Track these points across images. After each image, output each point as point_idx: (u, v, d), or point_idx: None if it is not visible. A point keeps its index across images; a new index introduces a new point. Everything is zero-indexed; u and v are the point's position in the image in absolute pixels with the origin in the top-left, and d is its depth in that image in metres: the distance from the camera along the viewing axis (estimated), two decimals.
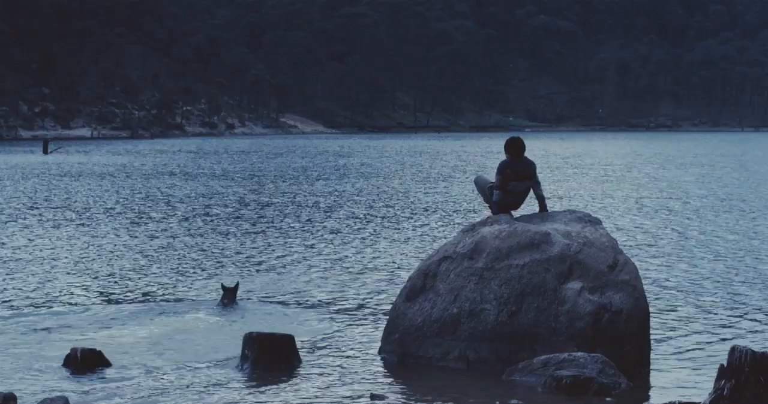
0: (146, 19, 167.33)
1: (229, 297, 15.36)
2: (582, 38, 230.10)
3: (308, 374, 11.31)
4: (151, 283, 17.43)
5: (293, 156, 76.44)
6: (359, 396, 10.41)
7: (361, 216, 29.55)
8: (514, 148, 12.51)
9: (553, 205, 30.88)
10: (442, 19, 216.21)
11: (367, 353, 12.28)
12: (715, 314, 14.83)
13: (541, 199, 12.64)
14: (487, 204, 12.85)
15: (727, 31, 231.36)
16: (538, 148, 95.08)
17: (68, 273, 18.40)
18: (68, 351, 11.65)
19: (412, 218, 28.77)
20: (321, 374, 11.30)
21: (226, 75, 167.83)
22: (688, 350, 12.56)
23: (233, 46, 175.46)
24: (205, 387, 10.79)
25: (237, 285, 15.65)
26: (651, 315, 12.13)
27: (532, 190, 12.55)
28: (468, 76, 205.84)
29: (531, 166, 12.52)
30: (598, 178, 49.61)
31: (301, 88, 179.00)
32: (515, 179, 12.40)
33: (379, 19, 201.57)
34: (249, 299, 15.86)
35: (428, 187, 41.69)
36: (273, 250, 21.71)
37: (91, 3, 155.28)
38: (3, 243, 22.64)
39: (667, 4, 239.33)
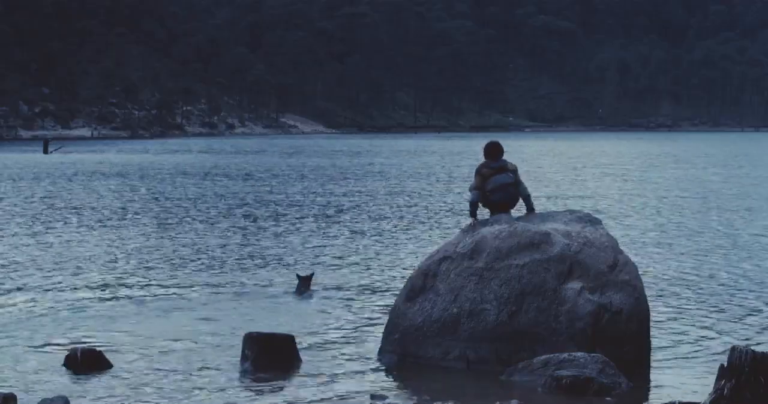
0: (146, 19, 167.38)
1: (304, 285, 16.21)
2: (582, 38, 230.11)
3: (308, 374, 11.30)
4: (173, 282, 17.44)
5: (305, 155, 76.70)
6: (359, 396, 10.41)
7: (378, 216, 29.55)
8: (490, 150, 12.52)
9: (572, 204, 31.06)
10: (442, 19, 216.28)
11: (367, 353, 12.28)
12: (715, 314, 14.83)
13: (526, 199, 12.60)
14: (487, 208, 12.79)
15: (727, 31, 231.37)
16: (545, 149, 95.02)
17: (88, 273, 18.40)
18: (68, 351, 11.64)
19: (431, 218, 28.72)
20: (321, 374, 11.30)
21: (226, 75, 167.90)
22: (688, 350, 12.56)
23: (233, 46, 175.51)
24: (205, 387, 10.79)
25: (312, 274, 16.57)
26: (651, 315, 12.12)
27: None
28: (468, 76, 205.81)
29: (509, 163, 12.54)
30: (620, 178, 49.50)
31: (301, 88, 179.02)
32: (494, 173, 12.39)
33: (379, 19, 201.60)
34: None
35: (448, 188, 41.66)
36: (289, 248, 21.71)
37: (91, 3, 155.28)
38: (27, 243, 22.64)
39: (667, 4, 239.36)
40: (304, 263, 19.76)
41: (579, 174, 52.23)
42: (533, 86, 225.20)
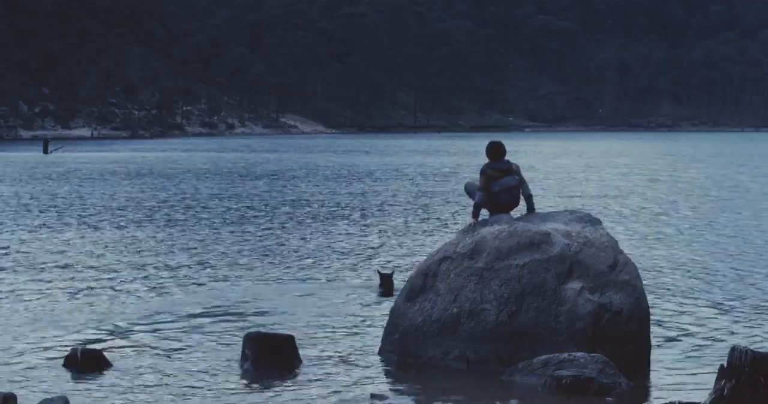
0: (146, 19, 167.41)
1: (386, 285, 16.36)
2: (582, 38, 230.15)
3: (308, 374, 11.30)
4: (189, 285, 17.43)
5: (319, 155, 76.96)
6: (359, 396, 10.40)
7: (412, 215, 29.60)
8: (495, 151, 12.50)
9: (608, 204, 31.15)
10: (442, 19, 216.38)
11: (367, 353, 12.28)
12: (716, 314, 14.83)
13: (528, 198, 12.61)
14: (488, 209, 12.79)
15: (727, 31, 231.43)
16: (557, 149, 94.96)
17: (90, 273, 18.40)
18: (68, 351, 11.64)
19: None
20: (321, 374, 11.30)
21: (226, 75, 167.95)
22: (688, 350, 12.56)
23: (233, 46, 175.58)
24: (205, 387, 10.79)
25: (392, 272, 16.74)
26: (651, 314, 12.12)
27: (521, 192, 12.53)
28: (468, 76, 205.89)
29: (513, 164, 12.54)
30: (648, 177, 49.39)
31: (301, 88, 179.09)
32: (501, 176, 12.39)
33: (379, 19, 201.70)
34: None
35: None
36: (300, 246, 21.73)
37: (91, 3, 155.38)
38: (30, 242, 22.63)
39: (667, 4, 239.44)
40: (311, 259, 19.76)
41: (601, 173, 52.11)
42: (533, 86, 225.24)
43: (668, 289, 16.79)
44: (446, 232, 24.88)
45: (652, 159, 72.38)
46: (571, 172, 51.72)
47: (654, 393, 10.73)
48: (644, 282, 12.11)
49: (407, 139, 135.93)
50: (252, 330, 12.84)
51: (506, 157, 12.60)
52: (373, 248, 22.11)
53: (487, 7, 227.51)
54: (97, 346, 11.98)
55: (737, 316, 14.66)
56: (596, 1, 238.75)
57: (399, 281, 16.07)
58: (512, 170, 12.46)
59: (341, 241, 23.29)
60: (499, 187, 12.39)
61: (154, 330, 13.55)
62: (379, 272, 16.90)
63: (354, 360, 11.94)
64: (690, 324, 14.09)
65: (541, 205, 28.43)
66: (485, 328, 11.48)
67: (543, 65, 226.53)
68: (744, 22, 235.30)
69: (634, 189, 41.04)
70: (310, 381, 11.03)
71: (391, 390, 10.76)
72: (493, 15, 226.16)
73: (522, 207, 12.75)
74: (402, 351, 11.87)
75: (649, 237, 24.12)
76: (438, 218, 28.88)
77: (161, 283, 17.38)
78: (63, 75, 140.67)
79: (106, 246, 22.19)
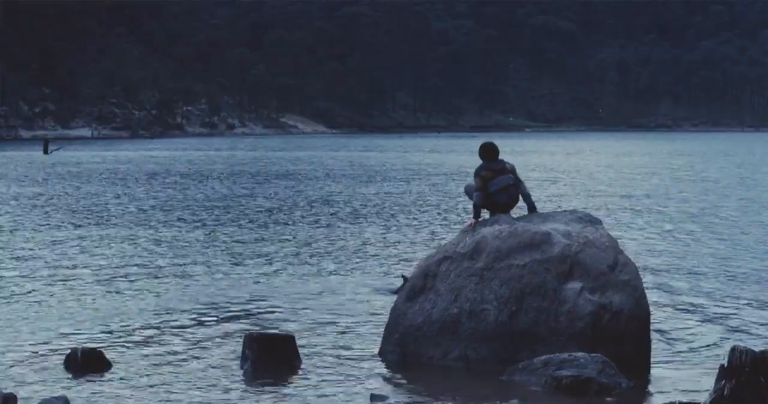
0: (146, 19, 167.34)
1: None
2: (582, 38, 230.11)
3: (308, 374, 11.31)
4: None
5: (336, 154, 77.28)
6: (359, 396, 10.41)
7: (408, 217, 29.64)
8: (488, 152, 12.51)
9: (647, 204, 31.14)
10: (442, 19, 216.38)
11: (367, 353, 12.28)
12: (716, 314, 14.83)
13: (526, 197, 12.60)
14: (487, 209, 12.79)
15: (727, 31, 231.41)
16: (569, 148, 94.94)
17: (90, 272, 18.40)
18: (68, 351, 11.64)
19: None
20: (321, 374, 11.30)
21: (226, 75, 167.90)
22: (688, 350, 12.56)
23: (233, 46, 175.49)
24: (205, 387, 10.79)
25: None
26: (651, 314, 12.12)
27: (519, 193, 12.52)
28: (468, 76, 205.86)
29: (507, 164, 12.53)
30: (670, 177, 49.40)
31: (301, 88, 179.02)
32: (495, 176, 12.38)
33: (379, 19, 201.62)
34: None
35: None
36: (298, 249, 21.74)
37: (92, 3, 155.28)
38: (31, 241, 22.64)
39: (667, 4, 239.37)
40: (312, 259, 19.76)
41: (620, 173, 52.03)
42: (533, 86, 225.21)
43: (670, 289, 16.80)
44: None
45: (667, 158, 72.41)
46: (592, 172, 51.61)
47: (654, 393, 10.73)
48: (647, 281, 12.11)
49: (410, 138, 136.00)
50: (252, 330, 12.85)
51: (502, 157, 12.63)
52: (379, 248, 22.11)
53: (487, 7, 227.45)
54: (97, 346, 11.97)
55: (738, 316, 14.66)
56: (596, 1, 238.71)
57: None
58: (506, 169, 12.45)
59: (347, 241, 23.30)
60: (496, 187, 12.38)
61: (154, 330, 13.55)
62: (403, 276, 16.69)
63: (354, 360, 11.94)
64: (690, 324, 14.09)
65: (569, 205, 28.53)
66: (485, 328, 11.48)
67: (543, 65, 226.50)
68: (744, 22, 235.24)
69: (660, 188, 40.98)
70: (310, 381, 11.03)
71: (391, 390, 10.76)
72: (493, 15, 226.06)
73: (522, 207, 12.73)
74: (402, 351, 11.87)
75: (662, 236, 24.13)
76: (461, 219, 28.82)
77: (162, 283, 17.38)
78: (63, 75, 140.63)
79: (110, 247, 22.19)
